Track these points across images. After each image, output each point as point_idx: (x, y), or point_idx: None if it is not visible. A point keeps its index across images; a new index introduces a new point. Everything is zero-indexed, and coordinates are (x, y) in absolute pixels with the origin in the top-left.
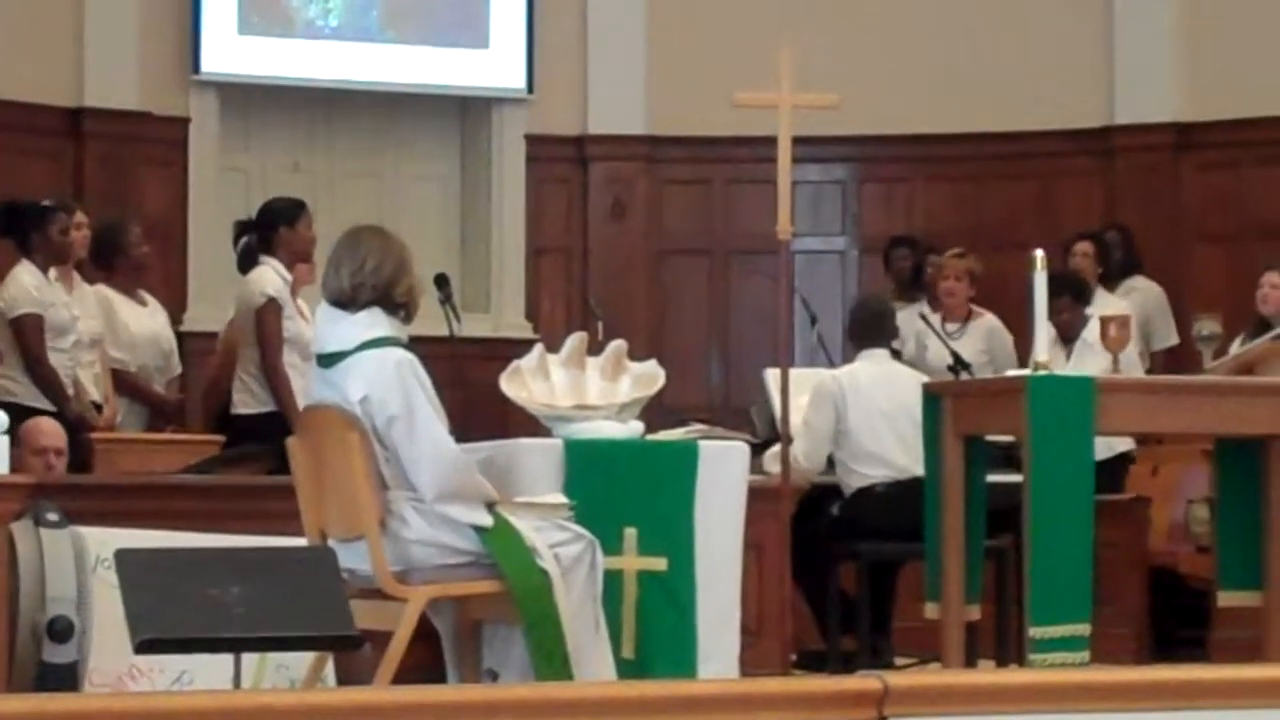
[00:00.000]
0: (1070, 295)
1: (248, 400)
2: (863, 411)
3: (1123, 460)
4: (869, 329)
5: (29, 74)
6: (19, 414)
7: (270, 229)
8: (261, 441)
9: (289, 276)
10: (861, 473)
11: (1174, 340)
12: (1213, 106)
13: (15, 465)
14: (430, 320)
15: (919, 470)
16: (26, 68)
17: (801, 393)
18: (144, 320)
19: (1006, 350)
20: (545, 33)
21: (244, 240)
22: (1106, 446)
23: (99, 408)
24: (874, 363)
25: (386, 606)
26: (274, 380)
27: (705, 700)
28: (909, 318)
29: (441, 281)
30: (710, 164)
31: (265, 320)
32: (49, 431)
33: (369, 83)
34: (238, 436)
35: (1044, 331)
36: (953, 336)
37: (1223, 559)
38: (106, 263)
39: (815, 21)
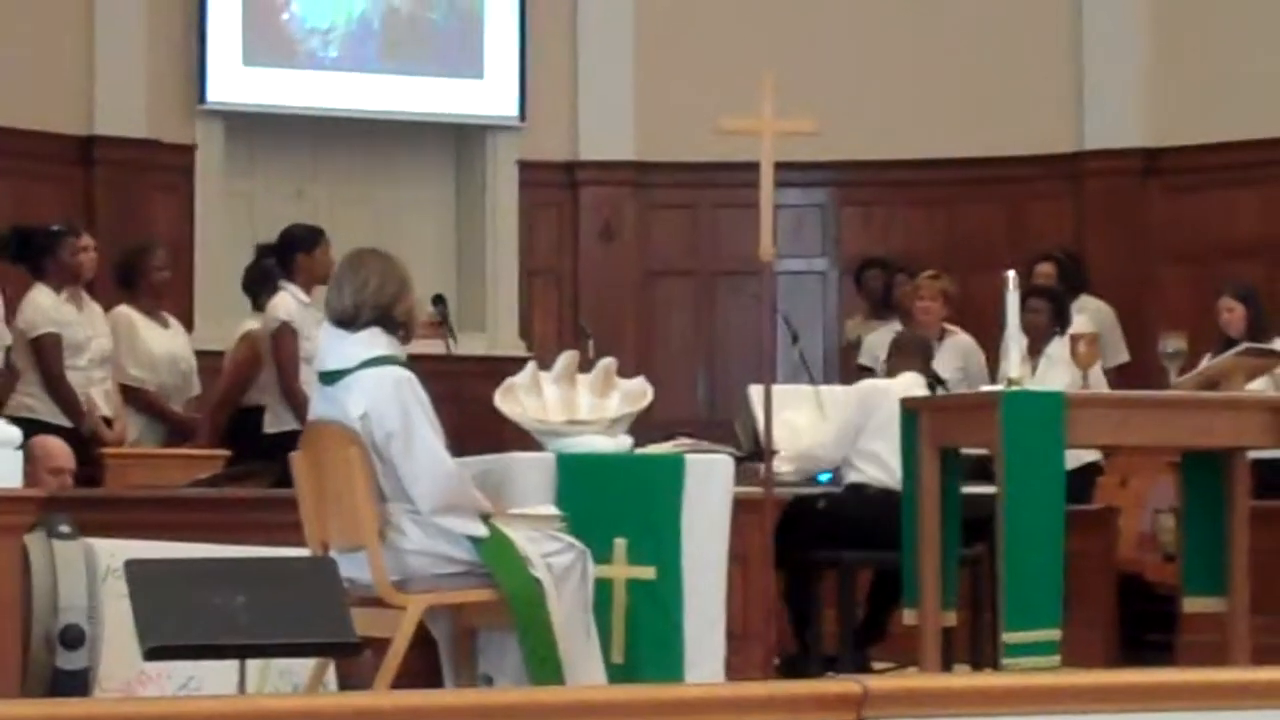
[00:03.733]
0: (1046, 299)
1: (273, 420)
2: (888, 416)
3: (1090, 471)
4: (906, 356)
5: (41, 103)
6: (36, 430)
7: (289, 254)
8: None
9: (307, 300)
10: (861, 469)
11: (1125, 357)
12: (1179, 132)
13: (27, 481)
14: (428, 340)
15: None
16: (38, 97)
17: (784, 408)
18: (164, 341)
19: (980, 367)
20: (537, 63)
21: (255, 265)
22: (1074, 458)
23: (109, 423)
24: (912, 384)
25: (385, 614)
26: (293, 402)
27: (692, 703)
28: (883, 337)
29: (438, 300)
30: (696, 189)
31: (280, 345)
32: (62, 452)
33: (368, 111)
34: (268, 454)
35: (1016, 348)
36: None
37: (1188, 567)
38: (129, 283)
39: (796, 53)
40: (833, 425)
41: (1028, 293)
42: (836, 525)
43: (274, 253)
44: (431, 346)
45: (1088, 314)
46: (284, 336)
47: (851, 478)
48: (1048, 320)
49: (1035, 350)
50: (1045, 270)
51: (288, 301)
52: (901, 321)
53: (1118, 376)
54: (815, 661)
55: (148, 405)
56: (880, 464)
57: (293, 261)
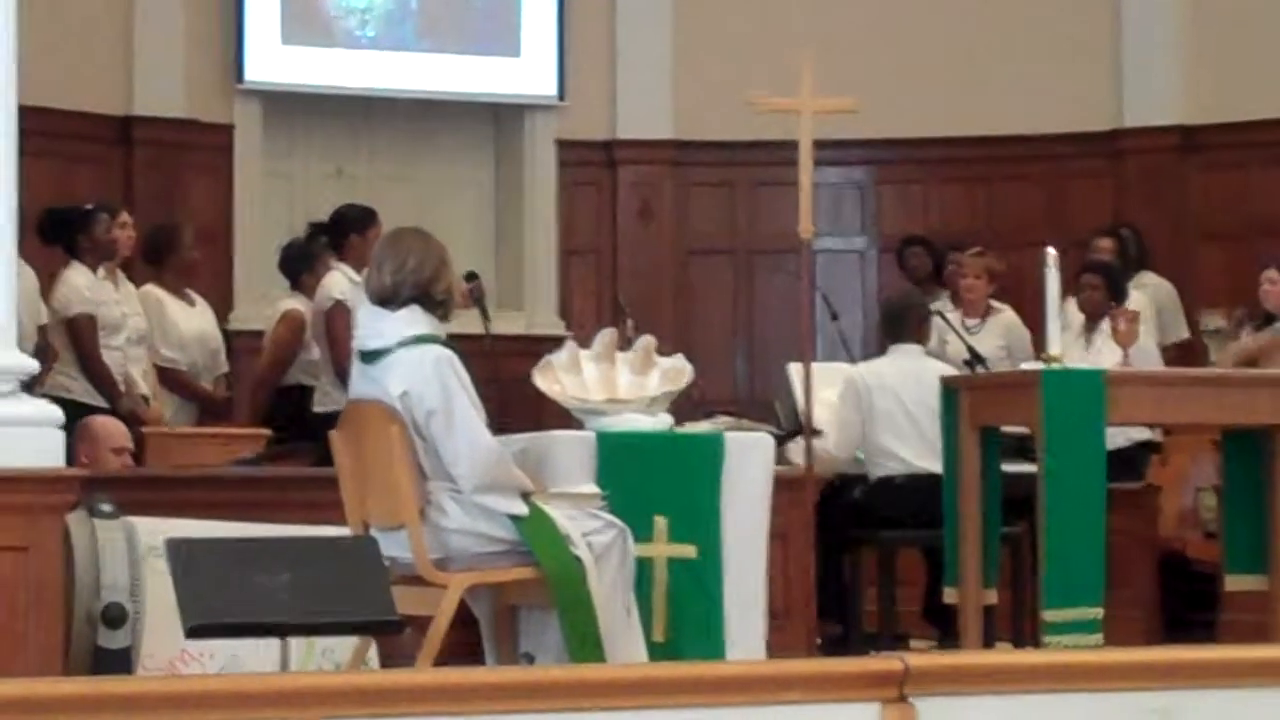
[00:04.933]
0: (1101, 275)
1: (323, 398)
2: (885, 408)
3: (1143, 449)
4: (895, 325)
5: (80, 84)
6: (74, 410)
7: (342, 235)
8: None
9: (359, 280)
10: (882, 464)
11: (1184, 334)
12: (1218, 110)
13: (77, 460)
14: (467, 318)
15: (937, 467)
16: (78, 78)
17: (824, 386)
18: (193, 319)
19: (1024, 344)
20: (575, 42)
21: (293, 244)
22: (1124, 436)
23: (146, 401)
24: (904, 358)
25: (427, 593)
26: (346, 381)
27: (734, 681)
28: None
29: (471, 276)
30: (734, 167)
31: (333, 323)
32: (122, 432)
33: (406, 90)
34: (317, 433)
35: (1056, 326)
36: (972, 332)
37: (1230, 545)
38: (158, 261)
39: (834, 30)
40: (832, 428)
41: (1083, 269)
42: (873, 514)
43: (326, 231)
44: (464, 326)
45: (1148, 290)
46: (338, 315)
47: (876, 473)
48: (1103, 296)
49: (1091, 326)
50: (1105, 245)
51: (340, 281)
52: (951, 300)
53: (1178, 353)
54: (858, 639)
55: (181, 385)
56: (894, 457)
57: (345, 241)
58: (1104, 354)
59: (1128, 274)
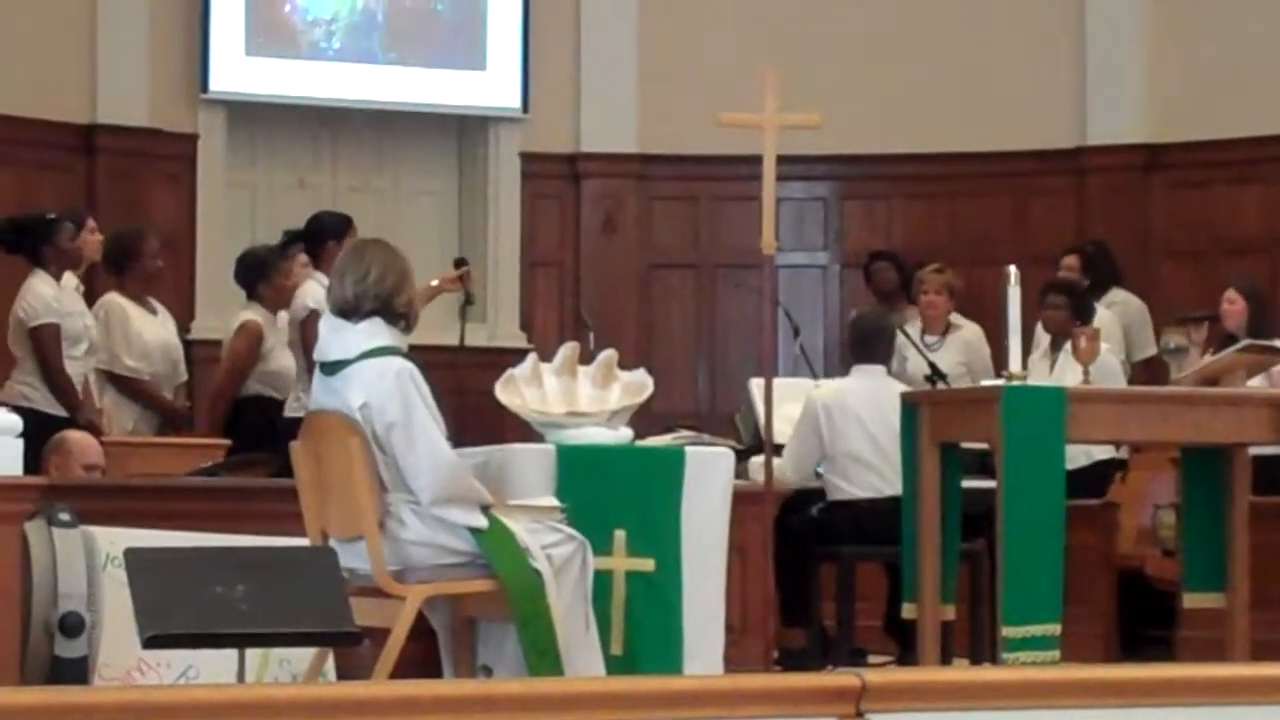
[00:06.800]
0: (1065, 295)
1: (295, 406)
2: (846, 431)
3: (1104, 467)
4: (864, 346)
5: (44, 92)
6: (34, 419)
7: (319, 243)
8: None
9: None
10: (841, 487)
11: (1153, 350)
12: (1182, 128)
13: (47, 472)
14: (430, 329)
15: (897, 489)
16: (41, 86)
17: (785, 401)
18: (155, 328)
19: (984, 361)
20: (540, 55)
21: (248, 254)
22: (1085, 454)
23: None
24: (867, 379)
25: (385, 604)
26: None
27: (691, 695)
28: None
29: (460, 263)
30: (698, 181)
31: (308, 332)
32: (94, 448)
33: (370, 102)
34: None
35: (1017, 343)
36: (932, 348)
37: (1188, 562)
38: (119, 269)
39: (798, 46)
40: (788, 450)
41: (1047, 288)
42: (832, 532)
43: (303, 239)
44: (429, 337)
45: (1117, 307)
46: (314, 324)
47: (834, 495)
48: (1068, 316)
49: (1057, 346)
50: (1070, 263)
51: (315, 289)
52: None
53: (1145, 370)
54: (816, 654)
55: (142, 394)
56: (853, 479)
57: (323, 249)
58: (1068, 374)
59: (1097, 291)
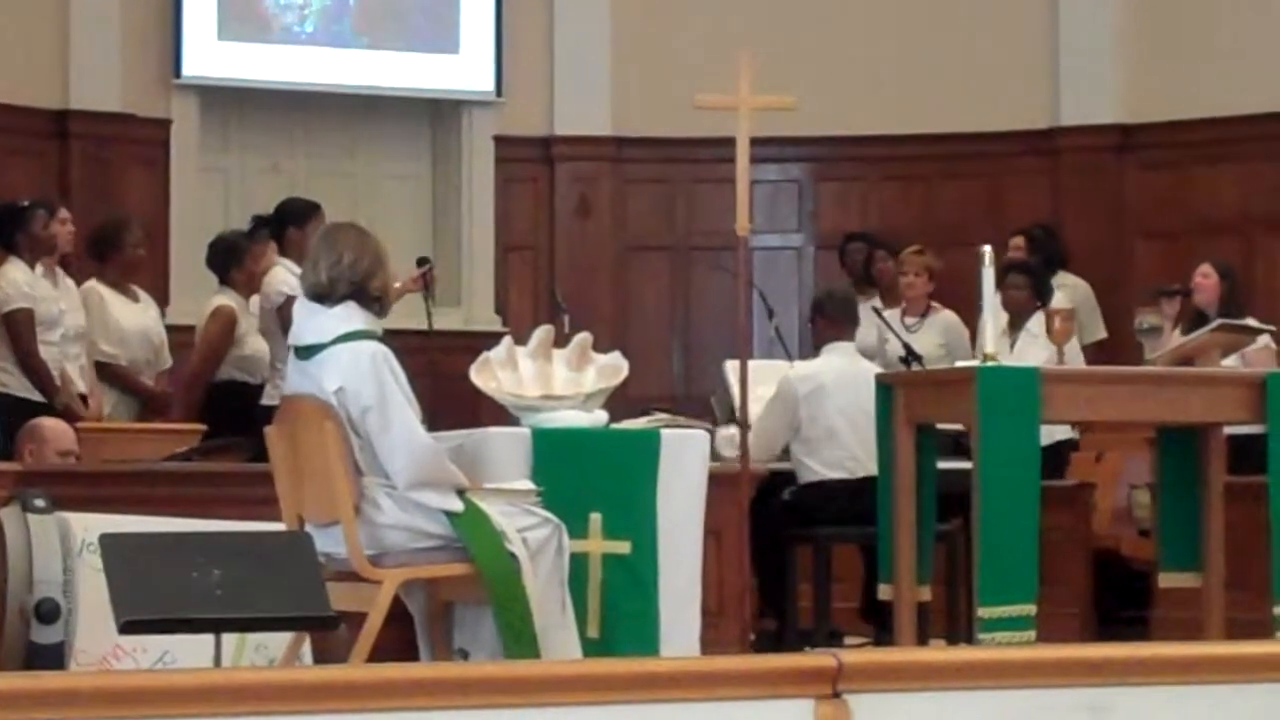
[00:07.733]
0: (1025, 274)
1: (273, 394)
2: (822, 413)
3: (1064, 447)
4: (838, 321)
5: (15, 77)
6: (9, 404)
7: (280, 228)
8: None
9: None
10: (813, 468)
11: (1102, 334)
12: (1155, 109)
13: (21, 458)
14: (404, 314)
15: (873, 469)
16: (13, 71)
17: (760, 383)
18: (135, 315)
19: (964, 344)
20: (513, 38)
21: (220, 240)
22: (1047, 434)
23: (84, 399)
24: (841, 358)
25: (361, 588)
26: None
27: (668, 677)
28: (863, 312)
29: (423, 262)
30: (672, 164)
31: (287, 317)
32: (69, 435)
33: (343, 86)
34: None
35: (992, 324)
36: (911, 330)
37: (1164, 542)
38: (100, 256)
39: (774, 28)
40: (756, 428)
41: (1006, 268)
42: (805, 513)
43: (269, 224)
44: (403, 321)
45: (1066, 290)
46: (289, 309)
47: (807, 476)
48: (1028, 296)
49: (1016, 326)
50: (1017, 244)
51: (284, 275)
52: (881, 297)
53: (1096, 352)
54: (792, 636)
55: (120, 380)
56: (832, 463)
57: (284, 234)
58: (1029, 353)
59: (1047, 273)
